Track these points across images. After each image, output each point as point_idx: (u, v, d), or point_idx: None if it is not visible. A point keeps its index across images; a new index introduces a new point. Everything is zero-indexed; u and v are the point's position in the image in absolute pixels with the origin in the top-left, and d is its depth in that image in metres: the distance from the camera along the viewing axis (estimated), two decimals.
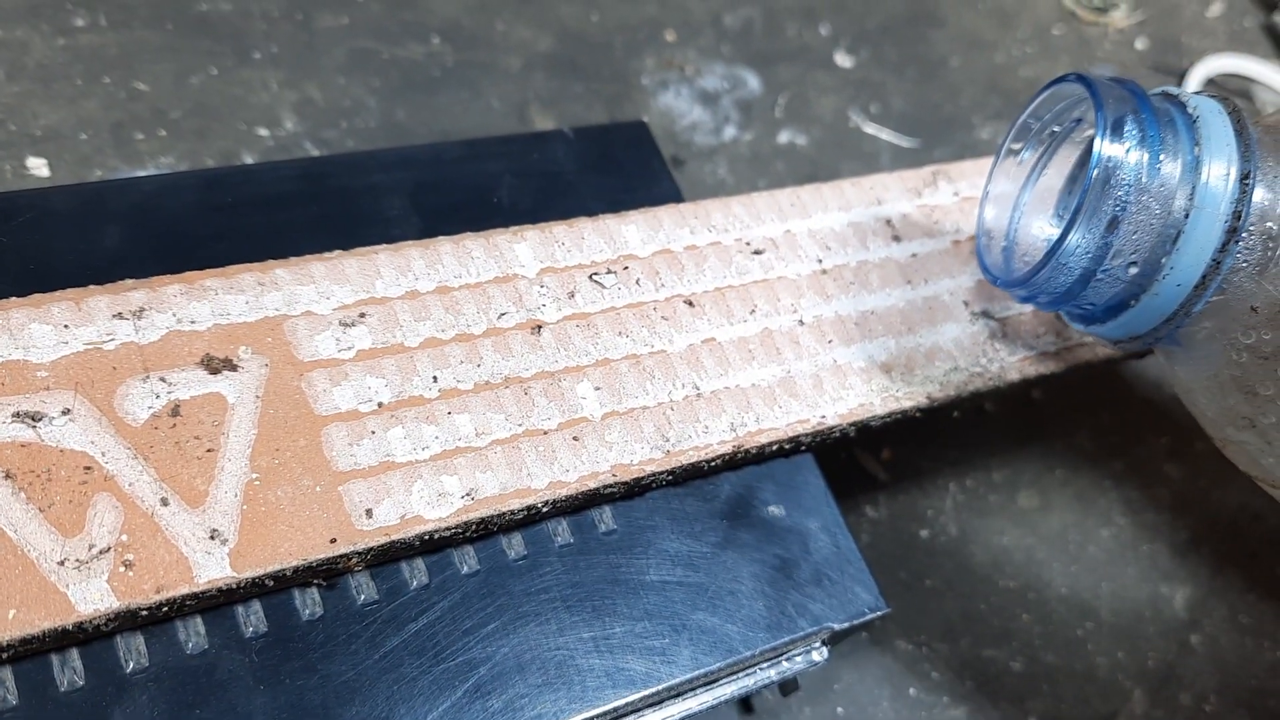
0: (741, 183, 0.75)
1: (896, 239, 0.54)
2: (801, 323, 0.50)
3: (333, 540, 0.38)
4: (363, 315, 0.43)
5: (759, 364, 0.48)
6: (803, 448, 0.48)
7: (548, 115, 0.71)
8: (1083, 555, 0.68)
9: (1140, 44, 0.96)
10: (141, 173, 0.58)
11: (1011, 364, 0.53)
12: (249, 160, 0.62)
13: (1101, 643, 0.64)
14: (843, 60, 0.84)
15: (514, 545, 0.42)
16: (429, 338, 0.43)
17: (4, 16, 0.62)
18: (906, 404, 0.50)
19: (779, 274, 0.51)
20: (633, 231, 0.49)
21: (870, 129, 0.81)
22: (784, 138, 0.78)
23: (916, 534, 0.66)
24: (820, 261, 0.52)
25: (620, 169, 0.54)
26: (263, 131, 0.64)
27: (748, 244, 0.51)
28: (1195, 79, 0.93)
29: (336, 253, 0.44)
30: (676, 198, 0.54)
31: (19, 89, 0.60)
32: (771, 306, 0.50)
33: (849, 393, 0.49)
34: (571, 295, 0.47)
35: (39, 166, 0.58)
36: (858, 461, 0.66)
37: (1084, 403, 0.74)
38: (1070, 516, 0.70)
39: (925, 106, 0.83)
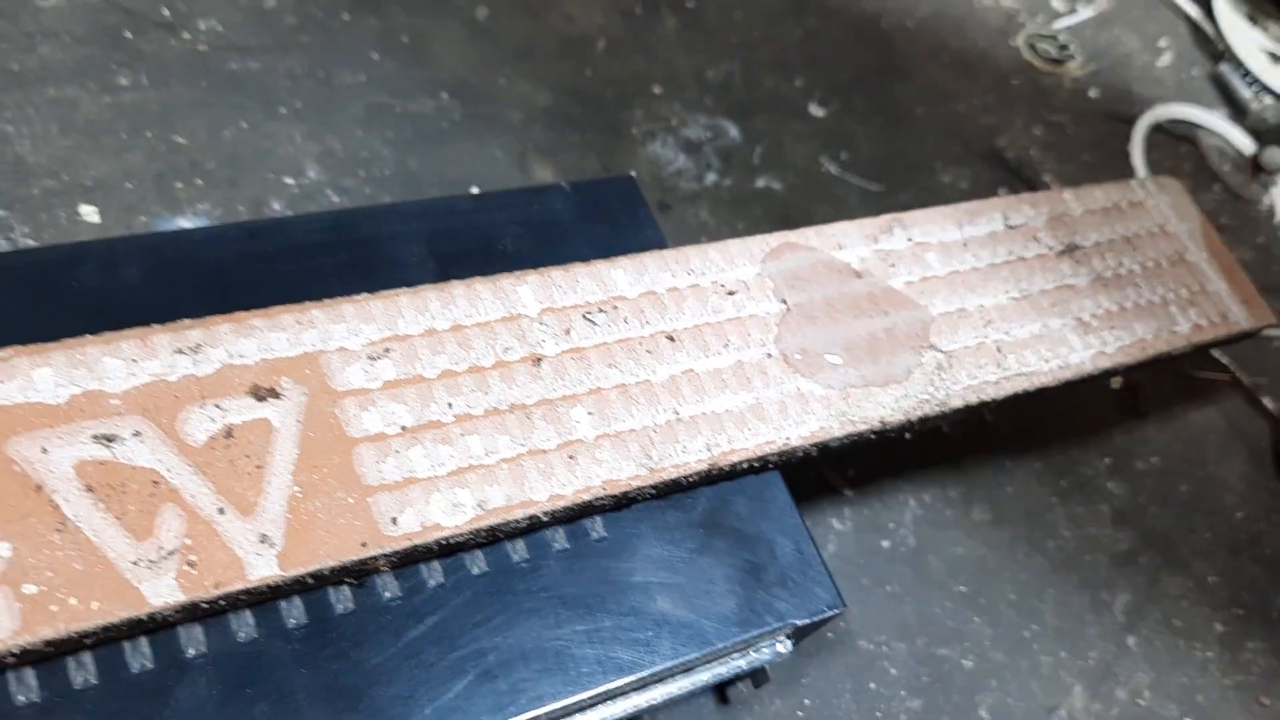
0: (722, 225, 0.82)
1: (857, 277, 0.61)
2: (769, 356, 0.57)
3: (363, 544, 0.45)
4: (387, 350, 0.49)
5: (731, 392, 0.55)
6: (771, 466, 0.55)
7: (546, 164, 0.79)
8: (1030, 564, 0.75)
9: (1093, 93, 1.03)
10: (181, 219, 0.65)
11: (956, 392, 0.60)
12: (277, 206, 0.69)
13: (1046, 643, 0.71)
14: (815, 110, 0.92)
15: (518, 550, 0.49)
16: (445, 369, 0.50)
17: (55, 76, 0.69)
18: (861, 427, 0.57)
19: (750, 312, 0.58)
20: (621, 275, 0.56)
21: (839, 173, 0.88)
22: (761, 182, 0.85)
23: (878, 544, 0.73)
24: (785, 302, 0.59)
25: (611, 219, 0.61)
26: (289, 180, 0.71)
27: (723, 286, 0.58)
28: (1144, 125, 1.01)
29: (363, 295, 0.51)
30: (661, 244, 0.61)
31: (70, 143, 0.67)
32: (743, 341, 0.56)
33: (810, 417, 0.56)
34: (568, 332, 0.53)
35: (90, 213, 0.64)
36: (825, 480, 0.73)
37: (1033, 426, 0.82)
38: (1020, 529, 0.77)
39: (891, 152, 0.91)
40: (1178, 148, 1.01)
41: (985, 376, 0.61)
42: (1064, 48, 1.05)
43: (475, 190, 0.75)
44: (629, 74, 0.86)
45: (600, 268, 0.56)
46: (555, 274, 0.55)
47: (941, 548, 0.73)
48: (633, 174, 0.65)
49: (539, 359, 0.52)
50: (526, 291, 0.54)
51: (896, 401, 0.58)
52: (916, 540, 0.73)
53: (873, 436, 0.58)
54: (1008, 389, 0.61)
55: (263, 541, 0.44)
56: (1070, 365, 0.63)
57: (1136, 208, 0.74)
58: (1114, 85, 1.04)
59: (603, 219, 0.60)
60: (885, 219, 0.65)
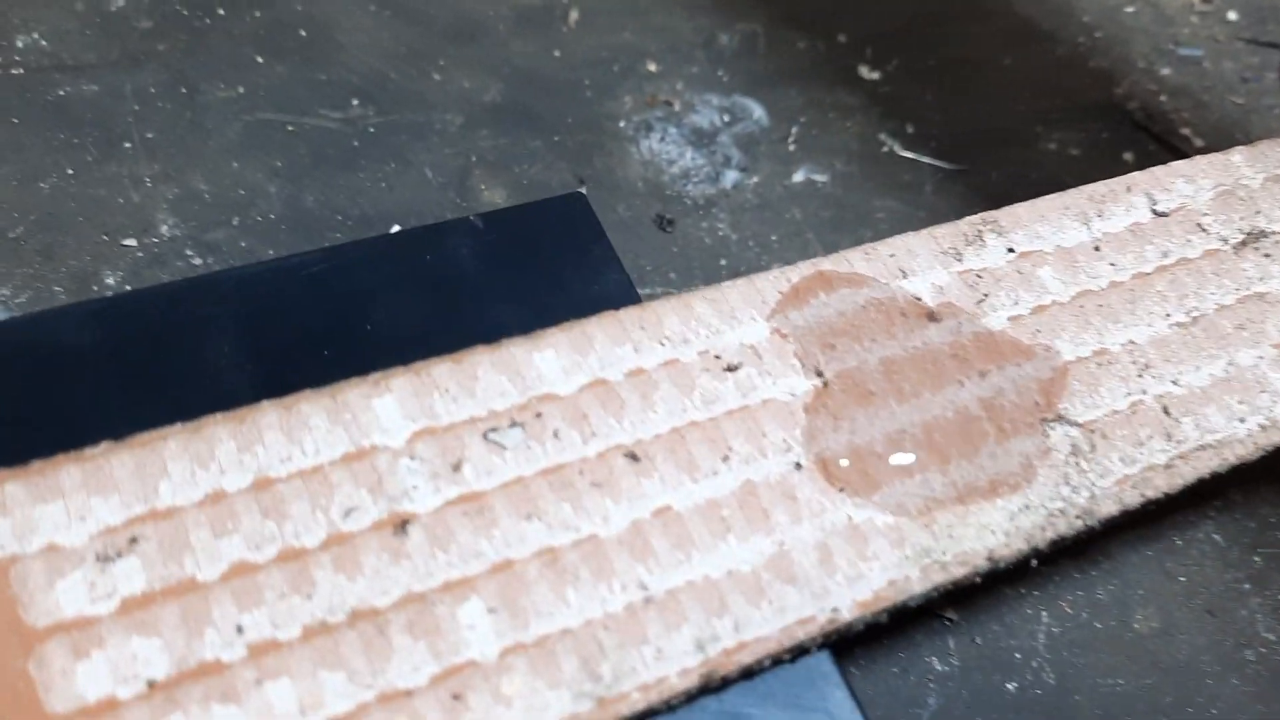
0: (748, 238, 0.60)
1: (932, 320, 0.39)
2: (798, 467, 0.35)
3: None
4: (134, 540, 0.29)
5: (737, 537, 0.33)
6: (807, 652, 0.33)
7: (496, 182, 0.57)
8: (1223, 692, 0.51)
9: (1233, 14, 0.79)
10: None
11: (1106, 489, 0.37)
12: (110, 279, 0.50)
13: None
14: (866, 72, 0.69)
15: None
16: (235, 562, 0.29)
17: None
18: (958, 572, 0.35)
19: (763, 396, 0.36)
20: (550, 359, 0.35)
21: (906, 153, 0.65)
22: (800, 176, 0.63)
23: (1002, 687, 0.50)
24: (820, 373, 0.37)
25: (547, 262, 0.40)
26: (129, 242, 0.51)
27: (717, 358, 0.36)
28: None
29: (103, 446, 0.30)
30: (626, 293, 0.39)
31: None
32: (754, 447, 0.35)
33: (872, 566, 0.34)
34: (456, 467, 0.32)
35: None
36: None
37: (1205, 483, 0.57)
38: (1201, 639, 0.53)
39: (972, 119, 0.68)
40: None
41: (1150, 458, 0.38)
42: None
43: (397, 229, 0.54)
44: (613, 49, 0.65)
45: (514, 352, 0.35)
46: (439, 370, 0.34)
47: (1093, 682, 0.50)
48: (582, 189, 0.43)
49: (404, 521, 0.31)
50: (388, 405, 0.33)
51: (1012, 520, 0.36)
52: (1056, 675, 0.50)
53: (978, 580, 0.35)
54: (1188, 473, 0.38)
55: None
56: (1277, 421, 0.40)
57: None
58: (1257, 4, 0.79)
59: (532, 265, 0.39)
60: (970, 223, 0.42)
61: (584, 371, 0.35)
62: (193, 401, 0.33)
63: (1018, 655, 0.51)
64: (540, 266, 0.40)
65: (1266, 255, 0.46)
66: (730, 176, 0.62)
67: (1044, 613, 0.52)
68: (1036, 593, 0.53)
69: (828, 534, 0.35)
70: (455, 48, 0.62)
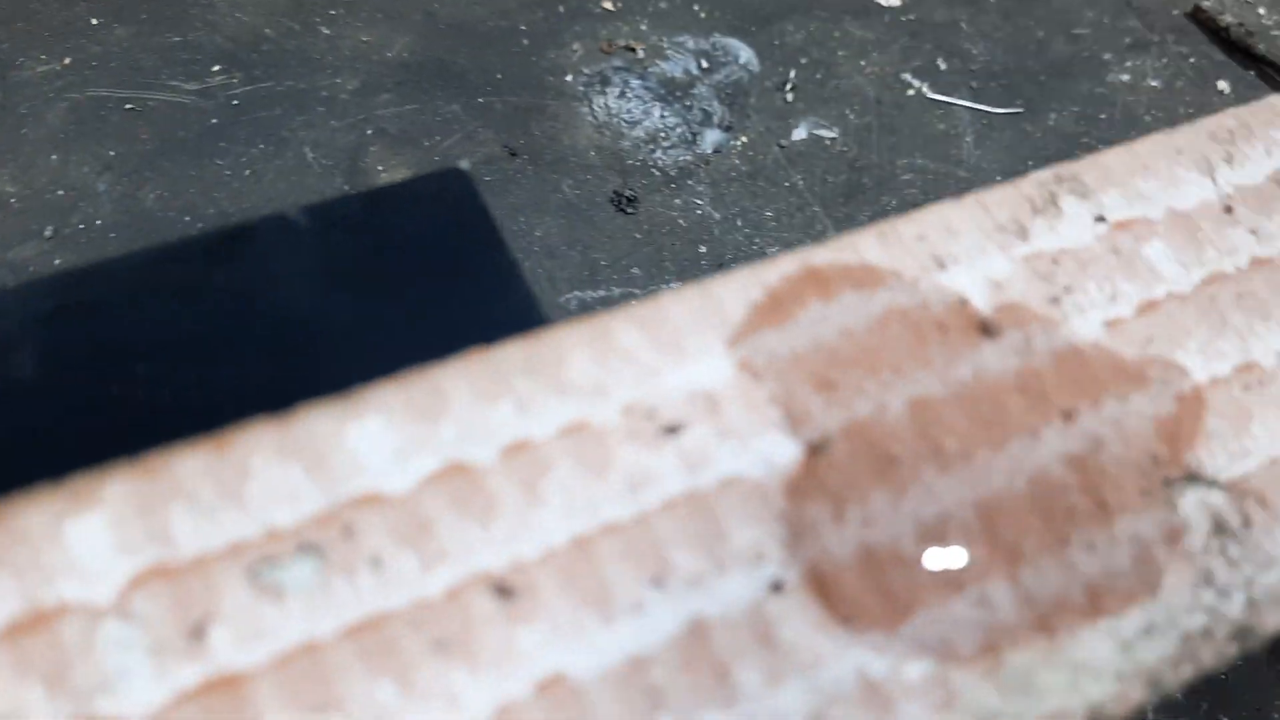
0: (735, 217, 0.46)
1: (987, 334, 0.25)
2: (778, 587, 0.22)
3: None
4: None
5: (676, 718, 0.20)
6: None
7: (397, 161, 0.44)
8: None
9: None
10: None
11: (1274, 589, 0.23)
12: None
13: None
14: None
15: None
16: None
17: None
18: None
19: (722, 473, 0.23)
20: (373, 434, 0.22)
21: (939, 95, 0.50)
22: (801, 133, 0.49)
23: None
24: (815, 429, 0.23)
25: (408, 273, 0.27)
26: None
27: (650, 415, 0.23)
28: None
29: None
30: (527, 313, 0.26)
31: None
32: (706, 560, 0.22)
33: None
34: (198, 633, 0.20)
35: None
36: None
37: None
38: None
39: (1023, 48, 0.53)
40: None
41: None
42: None
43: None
44: None
45: (315, 426, 0.21)
46: (185, 466, 0.21)
47: None
48: (462, 165, 0.30)
49: None
50: (91, 531, 0.20)
51: (1127, 652, 0.22)
52: None
53: None
54: None
55: None
56: None
57: None
58: None
59: (388, 275, 0.26)
60: (1038, 182, 0.28)
61: (430, 452, 0.22)
62: None
63: None
64: (397, 279, 0.26)
65: None
66: (711, 137, 0.48)
67: (1150, 708, 0.38)
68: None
69: (827, 701, 0.21)
70: None
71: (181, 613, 0.20)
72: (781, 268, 0.26)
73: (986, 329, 0.26)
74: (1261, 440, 0.26)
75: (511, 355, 0.24)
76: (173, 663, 0.20)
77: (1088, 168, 0.29)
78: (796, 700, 0.21)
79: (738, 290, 0.25)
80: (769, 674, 0.21)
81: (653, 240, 0.44)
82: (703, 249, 0.42)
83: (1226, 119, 0.31)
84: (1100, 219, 0.28)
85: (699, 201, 0.45)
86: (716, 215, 0.45)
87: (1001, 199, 0.28)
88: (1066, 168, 0.29)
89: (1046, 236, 0.28)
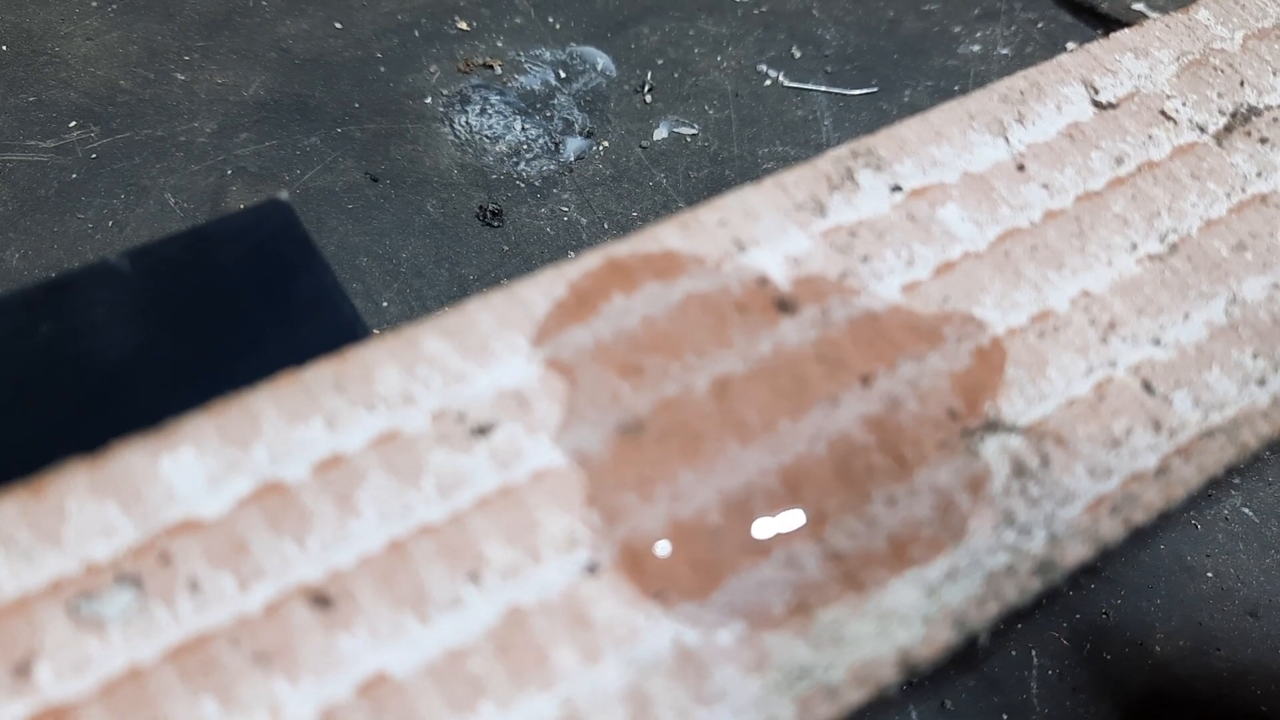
0: (602, 220, 0.47)
1: (785, 310, 0.26)
2: (592, 569, 0.22)
3: None
4: None
5: (497, 703, 0.21)
6: None
7: (259, 197, 0.44)
8: None
9: None
10: None
11: (1073, 524, 0.25)
12: None
13: None
14: None
15: None
16: None
17: None
18: (855, 696, 0.22)
19: (533, 467, 0.23)
20: (187, 464, 0.23)
21: (796, 83, 0.52)
22: (662, 132, 0.50)
23: None
24: (624, 414, 0.24)
25: (229, 307, 0.27)
26: None
27: (461, 418, 0.24)
28: None
29: None
30: (350, 335, 0.27)
31: None
32: (520, 551, 0.22)
33: (717, 712, 0.21)
34: (22, 670, 0.20)
35: None
36: None
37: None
38: (1248, 651, 0.41)
39: (876, 30, 0.54)
40: None
41: (1133, 462, 0.25)
42: None
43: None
44: (411, 10, 0.52)
45: (129, 462, 0.22)
46: (2, 512, 0.21)
47: None
48: (282, 196, 0.30)
49: None
50: None
51: (933, 597, 0.23)
52: None
53: (893, 693, 0.23)
54: (1192, 477, 0.26)
55: None
56: None
57: None
58: None
59: (209, 311, 0.26)
60: (834, 159, 0.29)
61: (243, 474, 0.23)
62: None
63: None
64: (218, 313, 0.27)
65: (1263, 140, 0.33)
66: (573, 145, 0.49)
67: (1034, 651, 0.40)
68: (1020, 626, 0.41)
69: (643, 673, 0.22)
70: (205, 38, 0.49)
71: (4, 652, 0.21)
72: (584, 264, 0.27)
73: (785, 305, 0.27)
74: (1057, 383, 0.27)
75: (321, 374, 0.25)
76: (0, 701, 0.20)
77: (883, 141, 0.31)
78: (614, 675, 0.22)
79: (543, 290, 0.26)
80: (586, 652, 0.22)
81: (521, 251, 0.45)
82: (571, 254, 0.43)
83: (1017, 80, 0.33)
84: (896, 188, 0.30)
85: (565, 209, 0.46)
86: (583, 220, 0.46)
87: (799, 178, 0.29)
88: (862, 142, 0.30)
89: (844, 210, 0.29)
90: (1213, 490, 0.46)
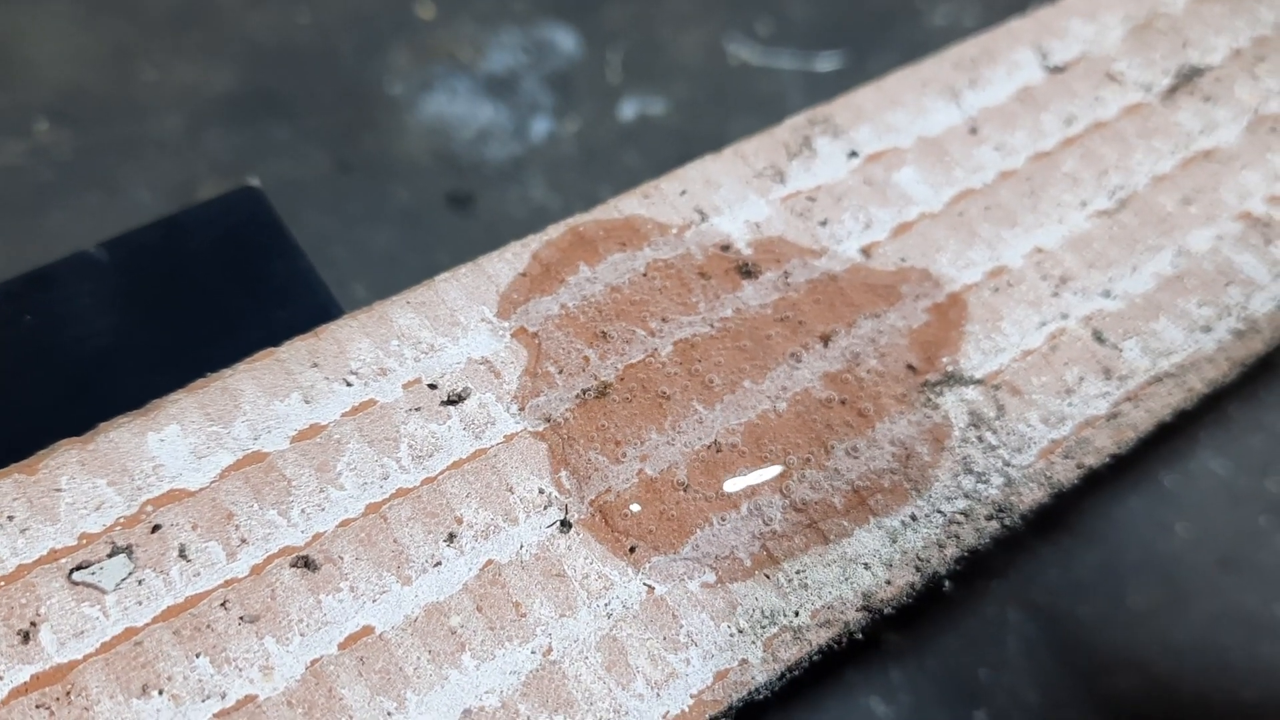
0: (573, 200, 0.48)
1: (747, 275, 0.27)
2: (566, 525, 0.23)
3: None
4: None
5: (476, 656, 0.22)
6: None
7: (232, 187, 0.45)
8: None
9: None
10: None
11: (1028, 469, 0.26)
12: None
13: None
14: None
15: None
16: None
17: None
18: (821, 637, 0.23)
19: (504, 431, 0.24)
20: (172, 440, 0.24)
21: (762, 59, 0.53)
22: (630, 111, 0.51)
23: (968, 717, 0.39)
24: (591, 378, 0.25)
25: (205, 291, 0.28)
26: None
27: (433, 387, 0.25)
28: None
29: None
30: (322, 316, 0.27)
31: None
32: (495, 511, 0.23)
33: (689, 657, 0.22)
34: (27, 636, 0.21)
35: None
36: None
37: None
38: (1217, 602, 0.42)
39: (841, 5, 0.55)
40: None
41: (1085, 409, 0.26)
42: None
43: None
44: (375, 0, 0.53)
45: (117, 439, 0.23)
46: None
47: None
48: (254, 183, 0.31)
49: None
50: None
51: (894, 542, 0.24)
52: (1039, 691, 0.39)
53: (857, 635, 0.24)
54: (1142, 421, 0.27)
55: None
56: (1256, 321, 0.29)
57: None
58: None
59: (186, 296, 0.27)
60: (792, 127, 0.30)
61: (226, 448, 0.24)
62: None
63: (982, 669, 0.40)
64: (195, 298, 0.28)
65: (1207, 99, 0.34)
66: (541, 127, 0.50)
67: (1010, 611, 0.41)
68: (1003, 584, 0.42)
69: (615, 622, 0.23)
70: (173, 35, 0.50)
71: (9, 621, 0.22)
72: (549, 236, 0.28)
73: (746, 270, 0.28)
74: (1012, 335, 0.28)
75: (297, 351, 0.25)
76: (6, 666, 0.21)
77: (840, 109, 0.32)
78: (589, 625, 0.23)
79: (509, 263, 0.27)
80: (561, 605, 0.23)
81: (493, 234, 0.46)
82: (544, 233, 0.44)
83: (969, 47, 0.34)
84: (853, 154, 0.31)
85: (535, 191, 0.47)
86: (555, 202, 0.47)
87: (759, 147, 0.30)
88: (820, 111, 0.31)
89: (803, 177, 0.30)
90: (1181, 446, 0.47)
